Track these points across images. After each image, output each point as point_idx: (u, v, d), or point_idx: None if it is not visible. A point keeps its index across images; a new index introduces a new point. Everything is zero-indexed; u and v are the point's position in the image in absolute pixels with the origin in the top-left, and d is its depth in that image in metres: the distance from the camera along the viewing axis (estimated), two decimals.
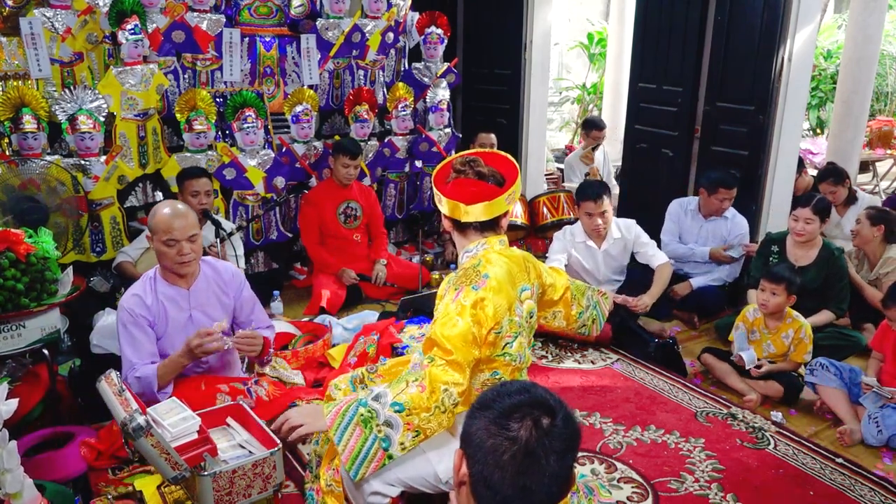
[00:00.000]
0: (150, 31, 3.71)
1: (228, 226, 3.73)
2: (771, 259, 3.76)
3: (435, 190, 2.02)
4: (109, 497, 2.32)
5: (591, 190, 3.76)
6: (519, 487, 1.11)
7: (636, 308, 3.67)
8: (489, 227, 2.03)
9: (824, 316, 3.57)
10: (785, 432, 2.94)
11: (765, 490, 2.56)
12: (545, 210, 4.64)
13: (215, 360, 2.70)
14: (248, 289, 2.76)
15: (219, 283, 2.66)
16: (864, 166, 7.57)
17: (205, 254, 2.86)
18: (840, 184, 4.34)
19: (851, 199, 4.41)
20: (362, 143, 4.55)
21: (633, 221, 3.98)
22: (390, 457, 1.75)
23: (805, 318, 3.28)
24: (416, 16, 5.02)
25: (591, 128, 6.05)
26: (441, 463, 1.87)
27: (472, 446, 1.15)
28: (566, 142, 8.93)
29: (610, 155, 6.44)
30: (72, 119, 3.50)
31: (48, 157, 3.41)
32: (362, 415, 1.74)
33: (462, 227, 2.02)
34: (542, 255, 4.66)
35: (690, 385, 3.35)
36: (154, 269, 2.61)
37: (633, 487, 2.56)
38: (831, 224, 4.44)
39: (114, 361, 2.74)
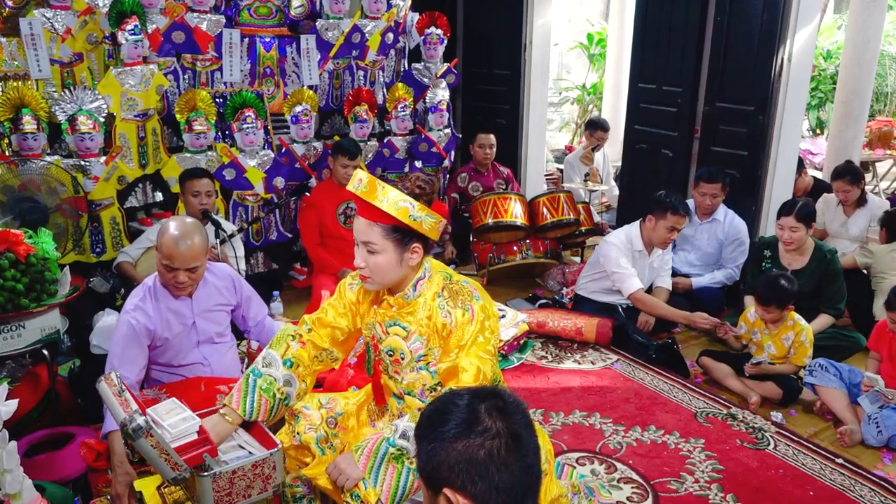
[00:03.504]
0: (149, 31, 3.70)
1: (229, 227, 3.73)
2: (763, 264, 3.74)
3: (426, 215, 1.81)
4: (109, 497, 2.32)
5: (683, 206, 3.68)
6: (524, 469, 1.12)
7: (646, 327, 3.78)
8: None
9: (823, 321, 3.56)
10: (785, 433, 2.94)
11: (765, 490, 2.56)
12: (545, 210, 4.63)
13: (216, 360, 2.71)
14: (246, 286, 2.79)
15: (218, 287, 2.66)
16: (864, 167, 7.55)
17: None
18: (856, 184, 4.26)
19: (861, 200, 4.36)
20: (362, 144, 4.55)
21: None
22: None
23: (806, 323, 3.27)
24: (416, 16, 5.02)
25: (596, 128, 6.04)
26: None
27: (460, 472, 1.10)
28: (566, 142, 8.93)
29: (609, 155, 6.44)
30: (71, 119, 3.50)
31: (48, 158, 3.40)
32: (392, 453, 1.78)
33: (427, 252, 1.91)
34: (542, 256, 4.67)
35: (690, 385, 3.35)
36: (153, 278, 2.57)
37: (633, 488, 2.56)
38: (836, 224, 4.41)
39: None
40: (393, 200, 1.76)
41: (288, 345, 2.00)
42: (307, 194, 4.32)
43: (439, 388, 1.91)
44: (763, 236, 3.97)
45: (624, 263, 3.77)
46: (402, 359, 1.93)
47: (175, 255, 2.38)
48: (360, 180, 1.81)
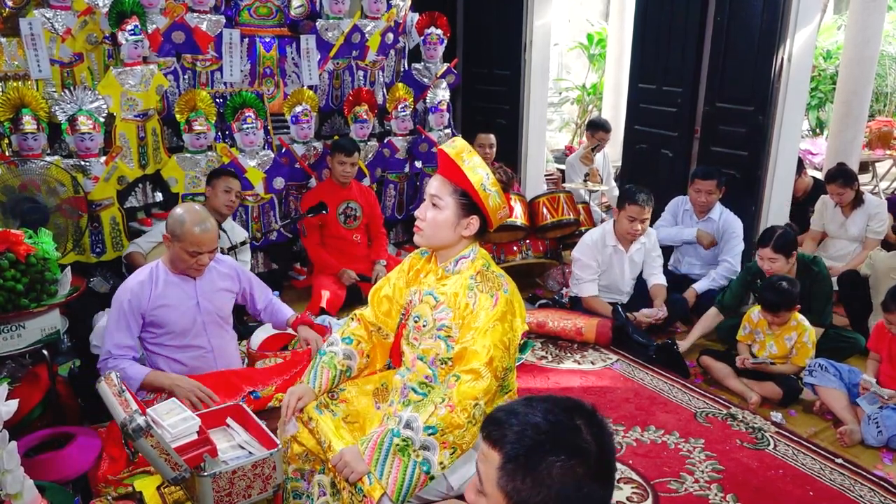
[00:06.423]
0: (149, 31, 3.70)
1: (241, 233, 3.79)
2: (757, 282, 3.56)
3: (496, 192, 1.93)
4: (109, 497, 2.32)
5: (641, 196, 3.77)
6: (607, 491, 1.13)
7: (659, 321, 3.77)
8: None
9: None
10: (785, 433, 2.95)
11: (765, 490, 2.56)
12: (545, 210, 4.63)
13: (219, 346, 2.77)
14: (249, 273, 2.92)
15: (220, 273, 2.77)
16: (864, 167, 7.56)
17: None
18: (849, 186, 4.26)
19: (858, 201, 4.35)
20: (362, 144, 4.55)
21: (653, 230, 4.06)
22: (432, 477, 1.79)
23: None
24: (416, 16, 5.02)
25: (598, 129, 6.03)
26: (453, 474, 1.88)
27: (552, 499, 1.06)
28: (566, 142, 8.93)
29: (610, 155, 6.44)
30: (71, 120, 3.49)
31: (48, 158, 3.40)
32: (398, 444, 1.78)
33: (481, 234, 2.02)
34: (541, 256, 4.67)
35: (690, 385, 3.35)
36: (159, 260, 2.66)
37: (632, 488, 2.56)
38: (835, 225, 4.41)
39: None
40: (472, 165, 1.90)
41: (348, 325, 2.25)
42: (325, 212, 4.14)
43: (450, 363, 1.95)
44: (755, 262, 3.79)
45: (585, 271, 3.94)
46: (424, 326, 2.00)
47: (203, 241, 2.53)
48: (453, 141, 1.97)
